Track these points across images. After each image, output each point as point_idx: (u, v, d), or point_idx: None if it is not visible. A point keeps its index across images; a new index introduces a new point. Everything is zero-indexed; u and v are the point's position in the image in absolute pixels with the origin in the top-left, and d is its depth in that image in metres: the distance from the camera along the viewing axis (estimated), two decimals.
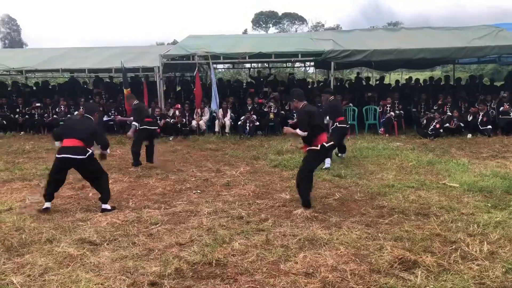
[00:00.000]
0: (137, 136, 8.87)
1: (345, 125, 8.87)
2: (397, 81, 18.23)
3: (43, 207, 5.92)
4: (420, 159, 9.00)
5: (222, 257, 4.31)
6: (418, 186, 6.91)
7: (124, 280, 3.84)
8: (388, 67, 19.30)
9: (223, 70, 29.53)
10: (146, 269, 4.05)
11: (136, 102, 9.17)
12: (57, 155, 5.87)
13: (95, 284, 3.77)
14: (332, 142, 6.27)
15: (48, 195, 5.96)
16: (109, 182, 7.56)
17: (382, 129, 13.06)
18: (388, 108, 13.30)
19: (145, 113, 9.16)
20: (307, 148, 5.95)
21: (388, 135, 12.66)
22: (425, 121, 12.70)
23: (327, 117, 8.76)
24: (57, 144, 6.22)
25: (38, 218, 5.66)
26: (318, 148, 5.83)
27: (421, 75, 27.87)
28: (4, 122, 14.77)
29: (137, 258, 4.33)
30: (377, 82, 18.72)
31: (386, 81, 21.88)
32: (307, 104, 6.06)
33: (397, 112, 13.21)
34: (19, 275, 3.97)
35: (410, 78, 18.23)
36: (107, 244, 4.71)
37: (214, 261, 4.21)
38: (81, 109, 14.31)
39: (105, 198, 6.02)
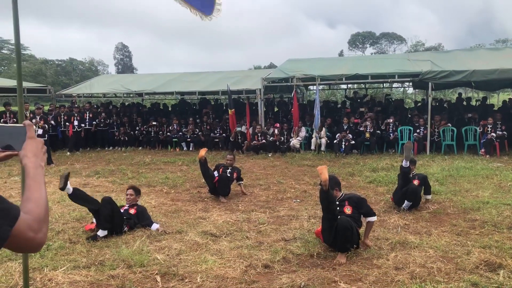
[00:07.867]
0: None
1: None
2: (502, 101, 17.59)
3: None
4: None
5: (322, 251, 5.02)
6: None
7: (242, 262, 4.72)
8: (491, 87, 18.73)
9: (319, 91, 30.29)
10: (258, 256, 4.89)
11: None
12: None
13: (219, 264, 4.69)
14: None
15: None
16: None
17: (482, 150, 12.83)
18: (489, 129, 13.06)
19: None
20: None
21: (489, 156, 12.42)
22: None
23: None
24: None
25: (167, 215, 6.82)
26: None
27: None
28: (126, 138, 16.88)
29: (250, 248, 5.19)
30: (478, 102, 18.23)
31: (492, 101, 21.11)
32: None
33: (499, 133, 12.91)
34: (161, 254, 5.02)
35: None
36: (225, 237, 5.65)
37: (315, 254, 4.93)
38: (190, 127, 15.99)
39: None
